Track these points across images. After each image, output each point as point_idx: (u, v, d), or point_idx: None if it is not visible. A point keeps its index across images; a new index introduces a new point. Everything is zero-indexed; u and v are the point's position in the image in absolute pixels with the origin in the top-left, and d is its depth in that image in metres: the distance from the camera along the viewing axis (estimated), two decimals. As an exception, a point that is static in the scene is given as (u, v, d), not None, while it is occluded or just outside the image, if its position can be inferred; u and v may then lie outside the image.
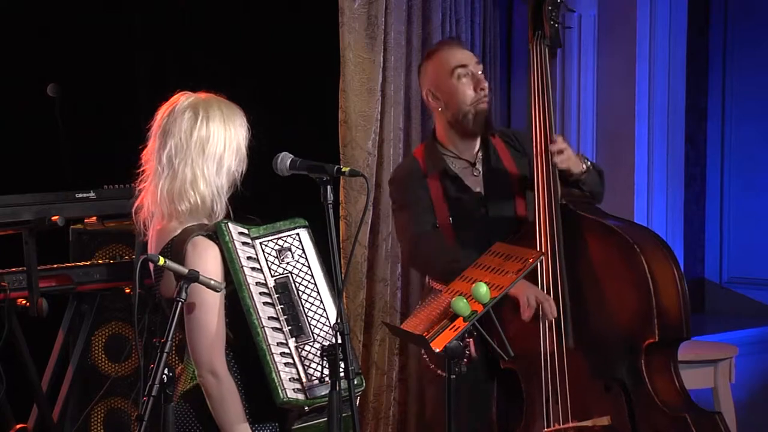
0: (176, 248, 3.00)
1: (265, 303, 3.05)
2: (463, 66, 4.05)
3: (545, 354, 3.92)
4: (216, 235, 3.04)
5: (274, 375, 3.00)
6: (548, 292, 3.92)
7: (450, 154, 4.11)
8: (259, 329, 3.03)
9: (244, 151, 3.10)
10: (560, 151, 3.99)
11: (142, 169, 3.14)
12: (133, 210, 3.14)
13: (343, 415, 3.03)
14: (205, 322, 2.98)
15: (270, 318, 3.05)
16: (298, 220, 3.18)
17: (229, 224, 3.07)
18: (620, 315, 3.91)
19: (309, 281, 3.13)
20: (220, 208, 3.07)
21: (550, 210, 3.96)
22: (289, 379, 3.01)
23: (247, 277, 3.05)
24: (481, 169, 4.11)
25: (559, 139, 4.03)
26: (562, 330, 3.91)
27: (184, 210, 3.04)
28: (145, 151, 3.14)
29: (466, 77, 4.05)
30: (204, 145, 3.04)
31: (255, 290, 3.05)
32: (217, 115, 3.06)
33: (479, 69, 4.09)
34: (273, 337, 3.03)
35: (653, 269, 3.87)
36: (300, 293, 3.10)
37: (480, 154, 4.12)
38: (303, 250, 3.15)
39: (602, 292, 3.93)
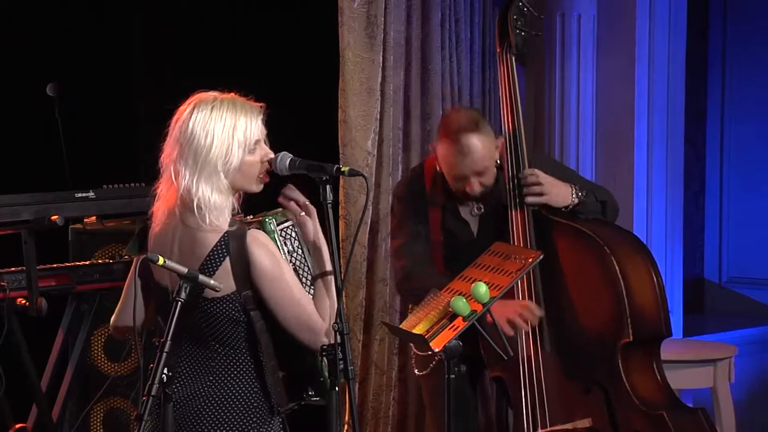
0: (236, 245, 2.98)
1: None
2: (463, 177, 3.96)
3: (523, 359, 3.93)
4: (262, 230, 3.06)
5: (323, 369, 3.05)
6: (524, 297, 3.92)
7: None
8: None
9: (234, 150, 3.00)
10: (536, 184, 3.94)
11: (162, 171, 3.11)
12: (152, 211, 3.11)
13: None
14: (294, 303, 3.01)
15: None
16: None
17: (273, 220, 3.09)
18: (595, 316, 3.91)
19: (307, 272, 3.15)
20: (213, 210, 2.99)
21: (523, 215, 3.96)
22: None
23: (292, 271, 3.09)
24: (483, 207, 4.09)
25: (535, 173, 3.95)
26: (538, 336, 3.91)
27: (194, 204, 2.99)
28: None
29: (463, 182, 3.97)
30: (182, 142, 2.99)
31: None
32: (202, 111, 3.01)
33: (485, 172, 3.94)
34: None
35: (625, 269, 3.87)
36: (304, 285, 3.12)
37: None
38: (298, 240, 3.17)
39: (577, 294, 3.93)
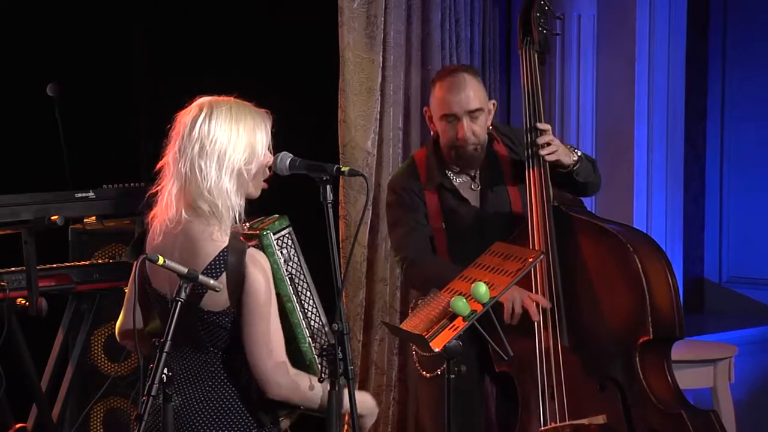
0: (234, 261, 2.96)
1: (300, 314, 3.08)
2: (453, 115, 4.02)
3: (541, 353, 3.94)
4: (260, 244, 3.04)
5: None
6: (542, 292, 3.94)
7: (450, 164, 4.11)
8: (308, 338, 3.07)
9: (258, 152, 3.00)
10: (547, 144, 4.00)
11: (159, 176, 3.07)
12: (149, 218, 3.08)
13: None
14: (265, 333, 2.96)
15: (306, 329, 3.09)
16: (285, 219, 3.16)
17: (270, 233, 3.06)
18: (614, 313, 3.93)
19: (303, 280, 3.13)
20: (231, 211, 2.99)
21: (543, 212, 3.97)
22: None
23: (290, 286, 3.07)
24: (480, 183, 4.11)
25: (548, 130, 4.03)
26: (557, 329, 3.93)
27: (205, 211, 2.98)
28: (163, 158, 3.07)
29: (453, 123, 4.02)
30: (204, 142, 2.97)
31: (295, 301, 3.07)
32: (222, 113, 2.99)
33: (476, 115, 4.02)
34: (313, 346, 3.07)
35: (646, 268, 3.90)
36: (300, 294, 3.11)
37: (480, 166, 4.12)
38: (294, 249, 3.15)
39: (596, 291, 3.95)
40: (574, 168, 4.04)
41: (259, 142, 3.02)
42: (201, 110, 3.01)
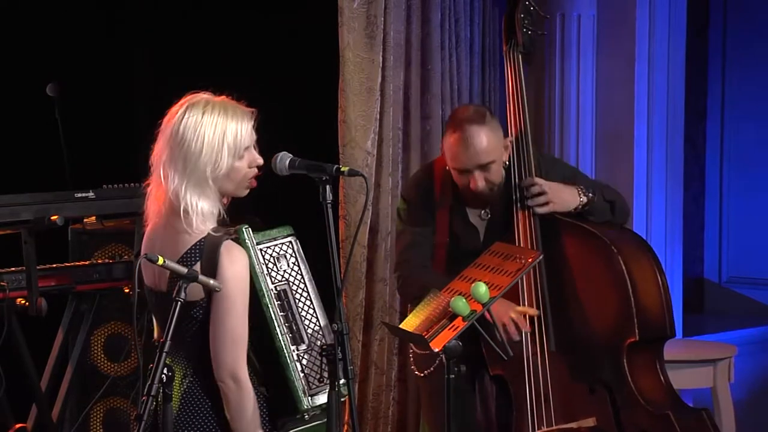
0: (209, 250, 2.97)
1: (277, 311, 3.08)
2: (465, 170, 3.94)
3: (528, 358, 3.93)
4: (238, 240, 3.03)
5: (297, 383, 3.05)
6: (529, 296, 3.92)
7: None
8: (281, 336, 3.06)
9: (225, 157, 2.98)
10: (539, 194, 3.94)
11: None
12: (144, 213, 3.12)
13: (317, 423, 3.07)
14: (232, 326, 2.96)
15: (284, 326, 3.09)
16: (288, 228, 3.18)
17: (249, 229, 3.06)
18: (601, 316, 3.92)
19: (303, 289, 3.14)
20: (201, 215, 2.99)
21: (527, 214, 3.96)
22: (303, 387, 3.06)
23: (267, 283, 3.06)
24: (490, 212, 4.09)
25: (537, 183, 3.95)
26: (543, 334, 3.91)
27: (181, 209, 2.99)
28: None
29: (466, 175, 3.94)
30: (172, 148, 2.99)
31: (273, 297, 3.07)
32: (195, 113, 3.00)
33: (488, 167, 3.91)
34: (290, 346, 3.07)
35: (632, 269, 3.88)
36: (296, 301, 3.11)
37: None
38: (295, 258, 3.15)
39: (582, 293, 3.93)
40: (585, 209, 3.97)
41: (226, 145, 3.00)
42: (175, 114, 3.02)
